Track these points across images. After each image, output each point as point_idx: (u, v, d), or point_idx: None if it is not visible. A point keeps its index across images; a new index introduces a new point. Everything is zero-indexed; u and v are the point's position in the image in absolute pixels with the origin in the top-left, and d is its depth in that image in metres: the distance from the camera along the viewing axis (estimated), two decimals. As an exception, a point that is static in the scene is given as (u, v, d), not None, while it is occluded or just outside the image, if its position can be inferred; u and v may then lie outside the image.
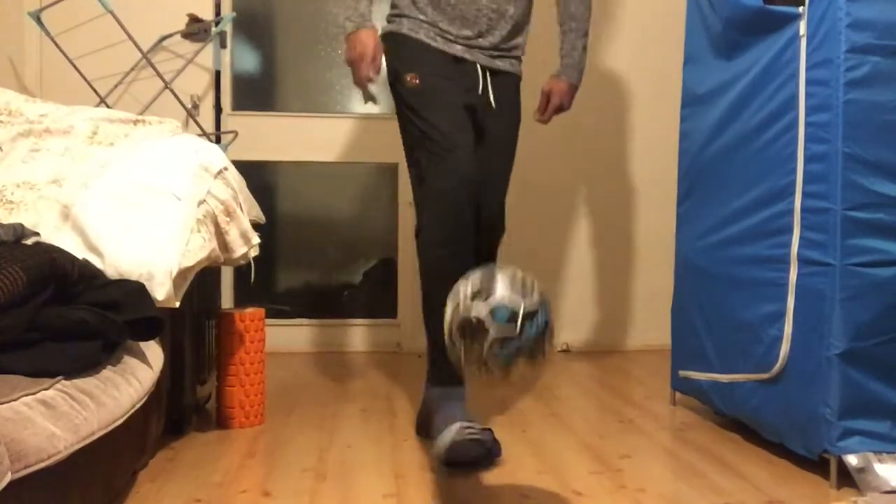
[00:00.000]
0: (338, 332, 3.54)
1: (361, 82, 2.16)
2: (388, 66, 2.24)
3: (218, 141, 3.34)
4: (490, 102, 2.25)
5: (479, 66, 2.24)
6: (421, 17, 2.21)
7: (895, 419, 1.81)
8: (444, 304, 1.45)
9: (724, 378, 2.17)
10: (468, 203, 2.05)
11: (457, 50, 2.21)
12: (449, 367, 1.67)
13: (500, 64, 2.29)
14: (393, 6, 2.30)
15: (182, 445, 2.12)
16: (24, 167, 2.01)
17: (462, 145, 2.09)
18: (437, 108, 2.14)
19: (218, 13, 3.42)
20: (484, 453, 1.94)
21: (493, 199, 2.31)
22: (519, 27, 2.30)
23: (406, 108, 2.19)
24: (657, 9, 3.52)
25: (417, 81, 2.16)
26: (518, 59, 2.35)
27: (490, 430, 1.98)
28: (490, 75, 2.26)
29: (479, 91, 2.23)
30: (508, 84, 2.32)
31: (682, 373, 2.43)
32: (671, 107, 2.13)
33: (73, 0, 3.10)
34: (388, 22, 2.30)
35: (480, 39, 2.23)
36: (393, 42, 2.24)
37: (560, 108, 2.46)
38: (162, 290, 1.77)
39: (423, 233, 2.10)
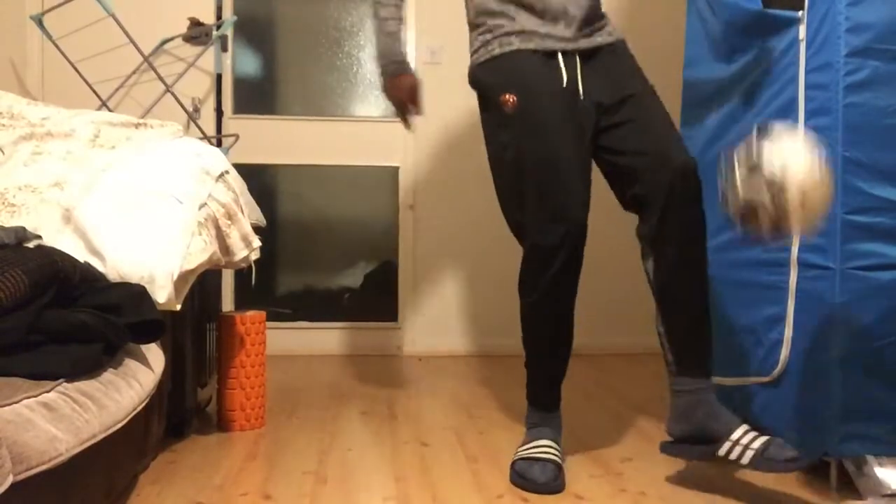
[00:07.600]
0: (338, 335, 3.54)
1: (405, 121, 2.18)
2: None
3: (219, 144, 3.35)
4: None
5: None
6: None
7: (895, 422, 1.81)
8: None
9: (724, 381, 2.17)
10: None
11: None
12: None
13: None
14: None
15: (183, 448, 2.12)
16: (25, 170, 2.01)
17: None
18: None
19: (219, 17, 3.43)
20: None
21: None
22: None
23: None
24: (657, 12, 3.52)
25: None
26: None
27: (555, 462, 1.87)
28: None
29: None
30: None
31: (682, 376, 2.42)
32: (671, 110, 2.13)
33: (75, 3, 3.11)
34: None
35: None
36: None
37: None
38: (163, 293, 1.78)
39: None
